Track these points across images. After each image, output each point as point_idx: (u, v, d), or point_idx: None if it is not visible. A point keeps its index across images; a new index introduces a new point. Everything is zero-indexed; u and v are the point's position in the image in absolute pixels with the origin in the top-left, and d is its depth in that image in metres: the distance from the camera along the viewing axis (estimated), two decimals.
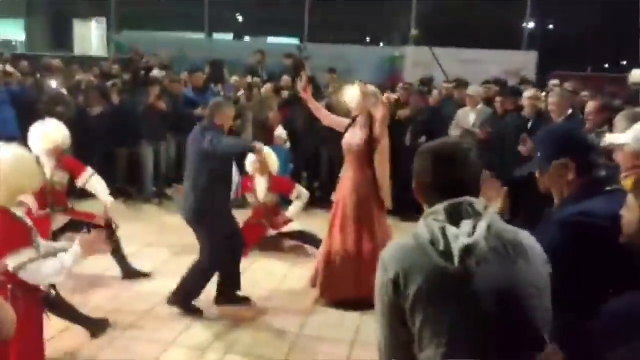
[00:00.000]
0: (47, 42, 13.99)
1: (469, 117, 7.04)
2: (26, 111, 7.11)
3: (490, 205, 1.68)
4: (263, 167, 5.54)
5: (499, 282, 1.57)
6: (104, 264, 5.23)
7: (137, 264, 5.35)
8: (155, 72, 9.17)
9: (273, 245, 6.24)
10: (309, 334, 4.37)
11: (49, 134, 4.57)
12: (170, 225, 6.88)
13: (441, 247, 1.57)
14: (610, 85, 9.89)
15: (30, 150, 4.45)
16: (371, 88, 4.95)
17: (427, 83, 9.21)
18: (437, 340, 1.57)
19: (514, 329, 1.58)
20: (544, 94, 6.86)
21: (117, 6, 13.87)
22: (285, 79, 8.74)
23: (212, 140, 4.25)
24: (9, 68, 8.35)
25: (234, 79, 9.32)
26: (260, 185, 6.26)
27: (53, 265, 2.75)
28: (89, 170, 4.91)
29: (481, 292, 1.55)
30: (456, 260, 1.55)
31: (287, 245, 6.30)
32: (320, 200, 7.59)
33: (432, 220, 1.62)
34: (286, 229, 6.22)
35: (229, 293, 4.79)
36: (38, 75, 8.86)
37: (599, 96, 5.94)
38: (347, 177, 4.96)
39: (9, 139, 3.80)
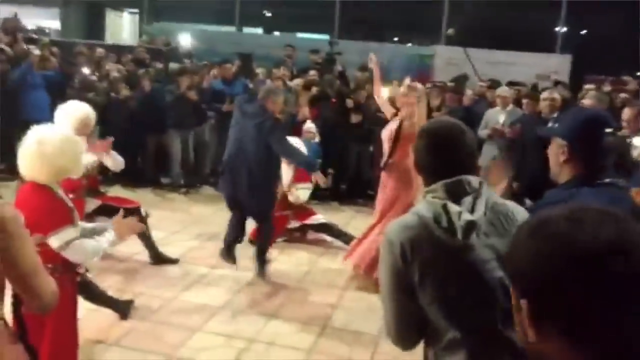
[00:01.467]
0: (80, 31, 14.18)
1: (498, 117, 6.95)
2: (58, 96, 7.20)
3: (484, 181, 1.76)
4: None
5: (497, 253, 1.66)
6: (133, 249, 5.28)
7: (164, 250, 5.39)
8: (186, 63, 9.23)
9: (297, 237, 6.24)
10: (335, 326, 4.36)
11: (75, 111, 4.60)
12: (197, 214, 6.93)
13: (444, 223, 1.65)
14: None
15: None
16: (418, 85, 5.01)
17: (460, 81, 9.11)
18: (446, 308, 1.65)
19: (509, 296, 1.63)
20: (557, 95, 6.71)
21: None
22: (313, 74, 8.72)
23: (281, 141, 4.74)
24: (45, 53, 8.44)
25: (261, 70, 9.31)
26: (286, 175, 6.25)
27: (93, 245, 2.78)
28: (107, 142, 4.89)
29: (483, 261, 1.65)
30: (460, 235, 1.63)
31: (310, 236, 6.29)
32: (346, 195, 7.56)
33: (432, 198, 1.71)
34: (310, 220, 6.21)
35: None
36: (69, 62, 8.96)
37: (637, 101, 5.81)
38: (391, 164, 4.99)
39: (39, 122, 3.84)
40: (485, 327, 1.65)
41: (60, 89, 7.71)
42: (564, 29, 13.37)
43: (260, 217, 5.06)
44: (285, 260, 5.67)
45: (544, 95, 6.28)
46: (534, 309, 0.87)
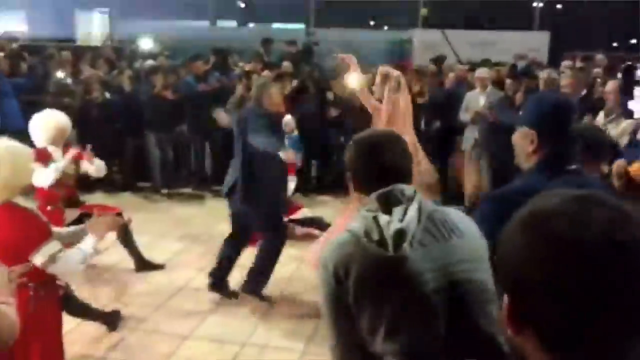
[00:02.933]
0: (49, 33, 13.87)
1: (478, 100, 6.88)
2: (31, 103, 7.00)
3: (417, 190, 1.71)
4: None
5: (435, 263, 1.59)
6: (116, 257, 5.16)
7: (149, 255, 5.27)
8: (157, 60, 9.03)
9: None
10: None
11: (48, 120, 4.46)
12: (181, 216, 6.81)
13: (375, 236, 1.59)
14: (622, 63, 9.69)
15: (33, 143, 4.38)
16: (394, 72, 4.82)
17: (439, 62, 9.00)
18: (383, 326, 1.59)
19: (453, 304, 1.60)
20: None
21: None
22: (286, 65, 8.56)
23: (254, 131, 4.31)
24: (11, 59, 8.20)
25: (241, 65, 9.15)
26: None
27: (76, 254, 2.66)
28: (88, 152, 4.71)
29: (418, 274, 1.58)
30: (390, 246, 1.57)
31: (298, 232, 6.20)
32: (331, 188, 7.48)
33: (365, 212, 1.66)
34: (297, 215, 6.12)
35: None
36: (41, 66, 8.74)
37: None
38: None
39: (15, 132, 3.71)
40: (427, 345, 1.58)
41: (34, 94, 7.51)
42: (540, 4, 13.35)
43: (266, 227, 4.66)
44: None
45: (543, 75, 6.25)
46: (515, 306, 0.81)
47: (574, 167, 1.96)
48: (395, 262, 1.57)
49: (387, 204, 1.64)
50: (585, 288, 0.73)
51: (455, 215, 1.73)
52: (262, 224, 4.61)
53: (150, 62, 8.94)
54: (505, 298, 0.83)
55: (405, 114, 4.55)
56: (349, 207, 4.60)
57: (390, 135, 1.82)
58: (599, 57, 6.41)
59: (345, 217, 4.62)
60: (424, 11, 9.93)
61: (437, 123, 7.28)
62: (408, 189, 1.68)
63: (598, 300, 0.73)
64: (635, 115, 4.33)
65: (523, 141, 2.02)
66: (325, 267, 1.66)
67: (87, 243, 2.72)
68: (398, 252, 1.57)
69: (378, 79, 4.64)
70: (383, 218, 1.61)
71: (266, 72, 8.13)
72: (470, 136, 6.87)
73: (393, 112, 4.68)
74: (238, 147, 4.48)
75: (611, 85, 5.12)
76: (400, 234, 1.57)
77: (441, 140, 7.37)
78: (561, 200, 0.80)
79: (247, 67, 8.32)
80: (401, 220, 1.59)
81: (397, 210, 1.62)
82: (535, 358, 0.80)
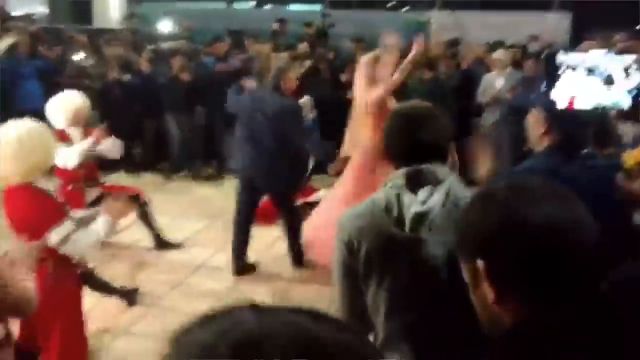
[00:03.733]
0: (68, 15, 13.95)
1: (496, 82, 6.83)
2: (51, 84, 7.10)
3: (453, 171, 1.66)
4: None
5: (449, 249, 1.53)
6: (136, 235, 5.26)
7: (169, 234, 5.36)
8: (175, 43, 9.05)
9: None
10: None
11: (65, 102, 4.53)
12: (201, 196, 6.90)
13: (394, 213, 1.57)
14: None
15: (51, 125, 4.45)
16: (388, 58, 4.83)
17: (453, 45, 8.93)
18: (390, 303, 1.60)
19: (462, 293, 1.55)
20: None
21: None
22: (303, 47, 8.55)
23: (296, 136, 4.64)
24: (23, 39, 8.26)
25: (255, 47, 9.14)
26: None
27: (89, 235, 2.74)
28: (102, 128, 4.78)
29: (432, 258, 1.56)
30: (407, 227, 1.55)
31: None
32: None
33: (391, 186, 1.61)
34: (312, 197, 6.16)
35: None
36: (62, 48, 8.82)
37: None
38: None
39: (34, 112, 3.77)
40: (426, 323, 1.58)
41: (54, 77, 7.60)
42: None
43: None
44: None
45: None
46: (489, 268, 0.94)
47: (587, 151, 1.97)
48: (410, 243, 1.56)
49: (414, 183, 1.59)
50: (518, 249, 0.91)
51: None
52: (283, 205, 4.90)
53: (169, 44, 8.99)
54: (480, 264, 0.94)
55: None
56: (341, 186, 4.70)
57: (431, 110, 1.71)
58: (617, 38, 6.31)
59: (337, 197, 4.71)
60: None
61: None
62: (441, 169, 1.61)
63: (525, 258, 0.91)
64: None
65: (535, 124, 2.05)
66: (341, 232, 1.65)
67: (100, 225, 2.79)
68: (414, 234, 1.54)
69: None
70: (407, 197, 1.56)
71: (284, 54, 8.15)
72: (489, 118, 6.83)
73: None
74: (268, 136, 4.55)
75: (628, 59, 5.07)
76: (420, 217, 1.54)
77: (458, 123, 7.33)
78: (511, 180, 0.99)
79: (257, 48, 8.33)
80: (424, 203, 1.55)
81: (423, 192, 1.57)
82: (515, 317, 0.92)
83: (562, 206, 0.91)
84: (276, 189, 4.81)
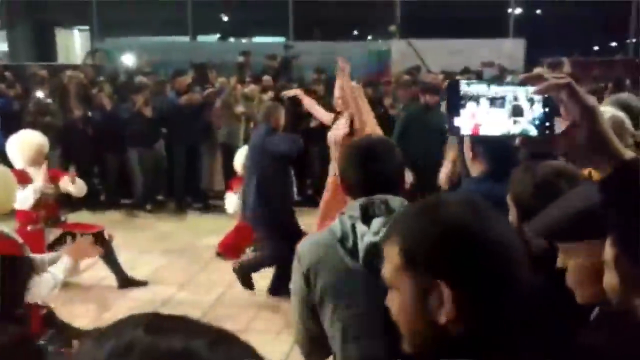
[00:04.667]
0: (30, 52, 13.87)
1: None
2: (12, 123, 7.03)
3: (405, 201, 1.71)
4: None
5: None
6: (99, 274, 5.19)
7: (132, 272, 5.31)
8: (139, 78, 9.07)
9: None
10: None
11: (25, 141, 4.50)
12: (163, 231, 6.85)
13: (349, 244, 1.61)
14: (598, 68, 9.89)
15: (11, 164, 4.42)
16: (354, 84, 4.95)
17: (413, 73, 9.16)
18: (345, 332, 1.62)
19: None
20: None
21: (99, 13, 13.76)
22: (267, 79, 8.69)
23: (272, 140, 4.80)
24: None
25: (221, 80, 9.23)
26: None
27: (47, 280, 2.72)
28: (72, 173, 4.79)
29: (384, 289, 1.56)
30: (361, 258, 1.58)
31: None
32: (311, 199, 7.56)
33: (346, 217, 1.66)
34: None
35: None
36: (21, 86, 8.76)
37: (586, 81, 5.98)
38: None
39: None
40: (382, 350, 1.58)
41: (14, 114, 7.54)
42: (518, 11, 13.53)
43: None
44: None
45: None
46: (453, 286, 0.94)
47: None
48: (364, 274, 1.58)
49: (368, 214, 1.63)
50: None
51: None
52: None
53: (132, 79, 8.99)
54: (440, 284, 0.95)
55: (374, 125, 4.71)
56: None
57: (384, 144, 1.79)
58: (562, 60, 6.60)
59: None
60: (393, 28, 10.06)
61: None
62: (393, 200, 1.66)
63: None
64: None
65: (467, 151, 2.14)
66: (299, 263, 1.70)
67: (60, 267, 2.77)
68: (368, 265, 1.57)
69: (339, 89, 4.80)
70: (361, 227, 1.60)
71: (252, 87, 8.25)
72: (451, 145, 6.98)
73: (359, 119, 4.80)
74: (254, 171, 4.82)
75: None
76: (373, 248, 1.56)
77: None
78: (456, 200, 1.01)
79: (229, 82, 8.41)
80: (377, 233, 1.57)
81: (376, 222, 1.60)
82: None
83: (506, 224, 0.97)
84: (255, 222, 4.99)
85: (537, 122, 0.94)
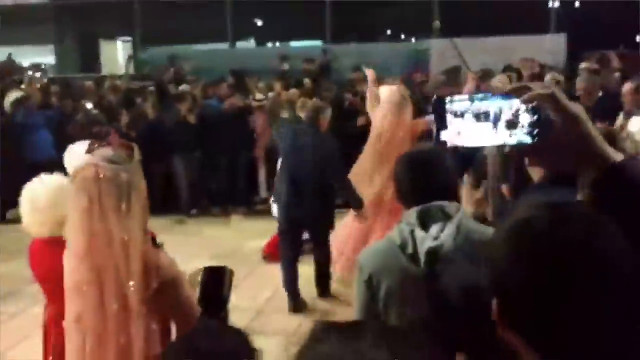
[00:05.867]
0: (76, 65, 14.33)
1: None
2: (61, 134, 7.28)
3: (461, 207, 1.74)
4: None
5: (463, 282, 1.62)
6: None
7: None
8: (183, 87, 9.28)
9: (309, 248, 6.23)
10: None
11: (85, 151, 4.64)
12: (211, 236, 6.97)
13: (409, 250, 1.66)
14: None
15: (65, 172, 4.57)
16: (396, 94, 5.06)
17: (453, 72, 9.08)
18: None
19: (479, 326, 1.57)
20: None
21: (142, 24, 14.10)
22: (306, 82, 8.76)
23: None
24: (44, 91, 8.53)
25: (260, 85, 9.35)
26: None
27: None
28: None
29: (447, 291, 1.63)
30: (422, 262, 1.63)
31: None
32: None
33: (404, 224, 1.71)
34: None
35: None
36: (71, 98, 9.05)
37: (636, 76, 5.82)
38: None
39: (46, 160, 3.84)
40: (444, 355, 1.62)
41: (64, 126, 7.80)
42: (557, 4, 13.23)
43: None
44: (301, 272, 5.65)
45: (547, 78, 6.27)
46: (502, 310, 0.90)
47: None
48: (426, 278, 1.63)
49: (426, 220, 1.68)
50: (558, 292, 0.82)
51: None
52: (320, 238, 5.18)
53: (178, 87, 9.18)
54: (495, 302, 0.92)
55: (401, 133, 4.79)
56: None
57: (436, 153, 1.84)
58: (611, 55, 6.45)
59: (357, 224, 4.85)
60: (436, 24, 9.96)
61: None
62: (449, 206, 1.71)
63: (570, 302, 0.82)
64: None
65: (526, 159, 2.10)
66: (360, 272, 1.75)
67: None
68: (429, 268, 1.62)
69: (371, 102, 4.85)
70: (419, 234, 1.66)
71: (293, 91, 8.34)
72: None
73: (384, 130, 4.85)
74: (308, 171, 4.77)
75: (627, 86, 5.13)
76: (433, 252, 1.62)
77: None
78: (537, 210, 0.91)
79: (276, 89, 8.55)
80: (436, 238, 1.64)
81: (435, 227, 1.66)
82: (524, 356, 0.90)
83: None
84: (316, 223, 4.99)
85: (528, 131, 0.96)
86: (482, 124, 0.97)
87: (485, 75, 8.08)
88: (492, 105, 0.97)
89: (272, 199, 6.33)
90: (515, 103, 0.96)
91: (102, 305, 1.94)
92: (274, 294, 5.15)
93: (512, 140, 0.97)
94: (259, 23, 16.17)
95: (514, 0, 12.34)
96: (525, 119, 0.96)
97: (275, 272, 5.31)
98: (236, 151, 7.91)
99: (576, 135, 0.95)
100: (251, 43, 15.71)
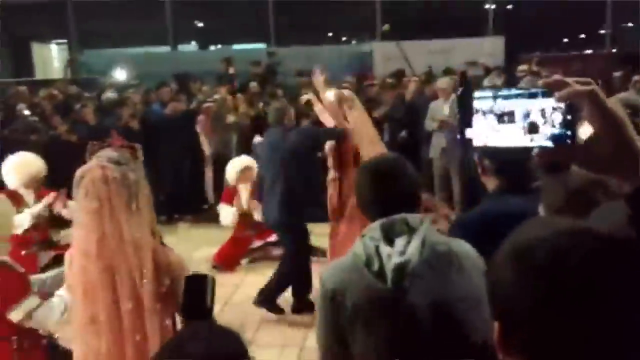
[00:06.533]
0: (7, 70, 13.66)
1: (442, 109, 7.05)
2: None
3: (426, 218, 1.69)
4: (249, 175, 5.65)
5: (432, 297, 1.58)
6: None
7: None
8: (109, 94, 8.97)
9: (261, 255, 6.17)
10: (313, 345, 4.31)
11: (24, 164, 4.43)
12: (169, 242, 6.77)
13: (375, 267, 1.60)
14: (580, 62, 10.02)
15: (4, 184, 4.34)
16: (346, 92, 4.92)
17: (397, 76, 9.22)
18: (377, 354, 1.60)
19: (450, 343, 1.59)
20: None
21: (77, 26, 13.59)
22: (253, 86, 8.67)
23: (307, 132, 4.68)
24: None
25: (204, 88, 9.19)
26: (244, 194, 6.15)
27: (57, 305, 2.64)
28: (62, 195, 4.69)
29: (415, 308, 1.58)
30: (389, 280, 1.57)
31: (275, 253, 6.20)
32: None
33: (368, 239, 1.64)
34: (272, 237, 6.13)
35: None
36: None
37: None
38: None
39: None
40: None
41: None
42: (493, 7, 13.63)
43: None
44: (254, 281, 5.59)
45: (485, 83, 6.43)
46: (504, 334, 0.85)
47: (537, 184, 1.94)
48: (393, 296, 1.58)
49: (390, 234, 1.63)
50: (567, 317, 0.78)
51: (461, 248, 1.69)
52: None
53: (113, 94, 8.89)
54: (496, 325, 0.87)
55: (368, 128, 4.67)
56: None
57: (398, 162, 1.78)
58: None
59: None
60: (386, 26, 10.05)
61: (403, 132, 7.43)
62: (413, 218, 1.65)
63: (582, 328, 0.78)
64: None
65: (482, 166, 2.10)
66: (323, 288, 1.68)
67: (66, 293, 2.69)
68: (396, 286, 1.57)
69: (334, 104, 4.73)
70: (385, 249, 1.60)
71: (239, 95, 8.22)
72: (437, 144, 7.03)
73: (359, 129, 4.77)
74: (277, 177, 4.61)
75: None
76: (400, 269, 1.56)
77: (406, 151, 7.52)
78: (544, 231, 0.84)
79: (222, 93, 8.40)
80: (402, 253, 1.58)
81: (399, 242, 1.61)
82: None
83: None
84: (278, 226, 4.86)
85: (555, 134, 0.87)
86: (507, 126, 0.89)
87: (428, 79, 8.26)
88: (517, 104, 0.88)
89: (219, 206, 6.22)
90: (544, 102, 0.86)
91: (116, 304, 1.96)
92: (226, 304, 5.04)
93: (539, 142, 0.88)
94: (200, 25, 15.91)
95: (452, 4, 12.66)
96: (557, 118, 0.87)
97: (226, 281, 5.21)
98: (181, 157, 7.72)
99: (616, 140, 0.84)
100: (193, 46, 15.43)
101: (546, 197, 1.64)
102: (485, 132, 0.91)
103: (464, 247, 1.70)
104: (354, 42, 14.55)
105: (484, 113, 0.90)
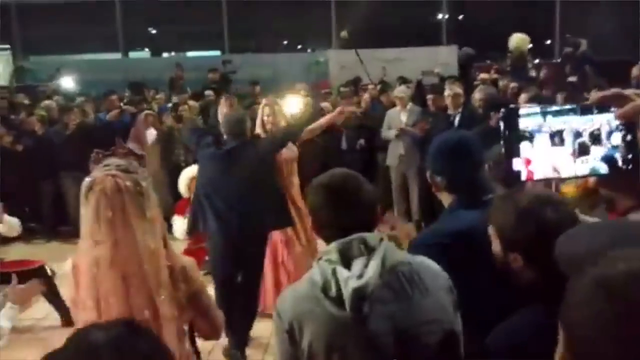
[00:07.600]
0: None
1: (400, 118, 7.08)
2: None
3: (384, 236, 1.60)
4: None
5: (395, 323, 1.51)
6: (40, 312, 4.85)
7: None
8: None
9: None
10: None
11: None
12: None
13: (332, 292, 1.50)
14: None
15: None
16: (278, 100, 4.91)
17: (353, 84, 9.25)
18: None
19: None
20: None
21: (22, 31, 13.09)
22: (209, 94, 8.53)
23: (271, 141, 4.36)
24: None
25: (159, 96, 9.00)
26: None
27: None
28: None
29: (378, 335, 1.50)
30: (347, 306, 1.48)
31: None
32: None
33: (324, 262, 1.55)
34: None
35: None
36: None
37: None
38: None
39: None
40: None
41: None
42: (447, 16, 13.86)
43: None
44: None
45: (446, 92, 6.49)
46: None
47: (490, 196, 1.91)
48: (353, 323, 1.49)
49: (347, 256, 1.53)
50: None
51: (424, 267, 1.61)
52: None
53: (59, 101, 8.57)
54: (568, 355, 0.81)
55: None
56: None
57: (355, 179, 1.67)
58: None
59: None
60: (344, 34, 9.99)
61: (362, 141, 7.43)
62: (371, 238, 1.55)
63: None
64: None
65: (433, 183, 2.04)
66: (280, 320, 1.57)
67: (6, 315, 2.53)
68: (356, 312, 1.48)
69: (302, 109, 4.65)
70: (342, 272, 1.50)
71: (192, 103, 8.04)
72: (394, 152, 7.05)
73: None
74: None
75: (523, 96, 5.43)
76: (358, 293, 1.46)
77: (364, 160, 7.50)
78: (631, 263, 0.79)
79: (175, 100, 8.22)
80: (361, 276, 1.48)
81: (357, 264, 1.51)
82: None
83: None
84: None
85: (611, 156, 0.79)
86: (559, 149, 0.79)
87: (384, 88, 8.31)
88: (569, 122, 0.78)
89: (172, 218, 6.00)
90: (600, 119, 0.77)
91: (131, 314, 1.92)
92: None
93: (584, 169, 0.79)
94: (153, 32, 15.58)
95: (407, 13, 12.80)
96: (617, 139, 0.78)
97: None
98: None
99: None
100: (146, 53, 15.09)
101: (495, 218, 1.58)
102: (542, 162, 0.79)
103: (427, 265, 1.62)
104: (309, 50, 14.52)
105: (532, 134, 0.79)
